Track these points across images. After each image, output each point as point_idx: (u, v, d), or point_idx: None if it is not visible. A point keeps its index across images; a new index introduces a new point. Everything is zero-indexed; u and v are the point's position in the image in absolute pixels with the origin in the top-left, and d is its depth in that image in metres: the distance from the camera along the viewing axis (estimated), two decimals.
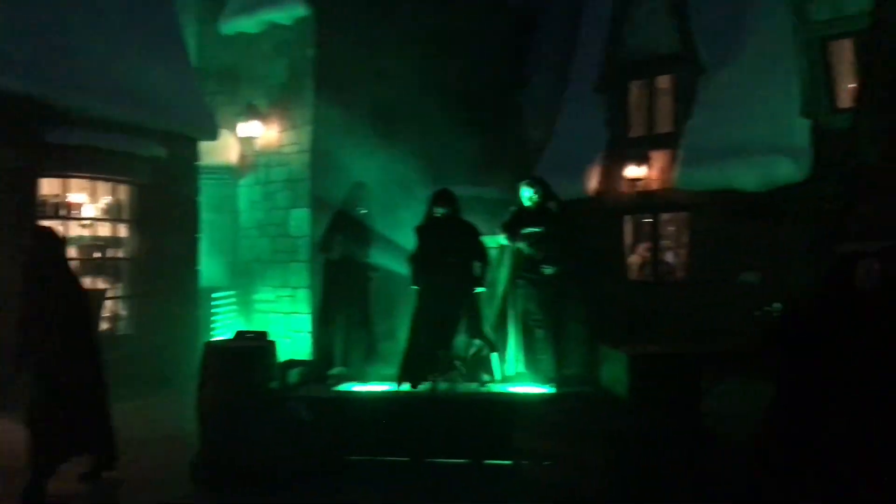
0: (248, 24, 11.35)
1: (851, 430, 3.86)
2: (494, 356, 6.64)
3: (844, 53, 10.31)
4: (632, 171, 11.93)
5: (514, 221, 6.83)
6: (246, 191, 11.71)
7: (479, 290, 6.66)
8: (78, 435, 5.12)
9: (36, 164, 8.09)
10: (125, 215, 9.33)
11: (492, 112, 12.76)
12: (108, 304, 8.89)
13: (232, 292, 11.55)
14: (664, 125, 12.28)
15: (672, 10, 11.95)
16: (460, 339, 6.57)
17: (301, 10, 10.77)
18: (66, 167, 8.50)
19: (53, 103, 8.01)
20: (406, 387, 6.25)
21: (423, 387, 6.24)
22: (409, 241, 7.02)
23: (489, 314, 6.88)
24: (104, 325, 8.66)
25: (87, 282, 8.40)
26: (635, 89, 12.67)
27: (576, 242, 7.05)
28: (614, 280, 11.72)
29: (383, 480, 5.39)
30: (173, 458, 5.84)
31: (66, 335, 5.04)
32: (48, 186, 8.49)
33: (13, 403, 5.50)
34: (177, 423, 6.96)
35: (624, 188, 12.22)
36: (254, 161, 11.55)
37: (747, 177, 10.64)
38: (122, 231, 9.36)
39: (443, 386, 6.28)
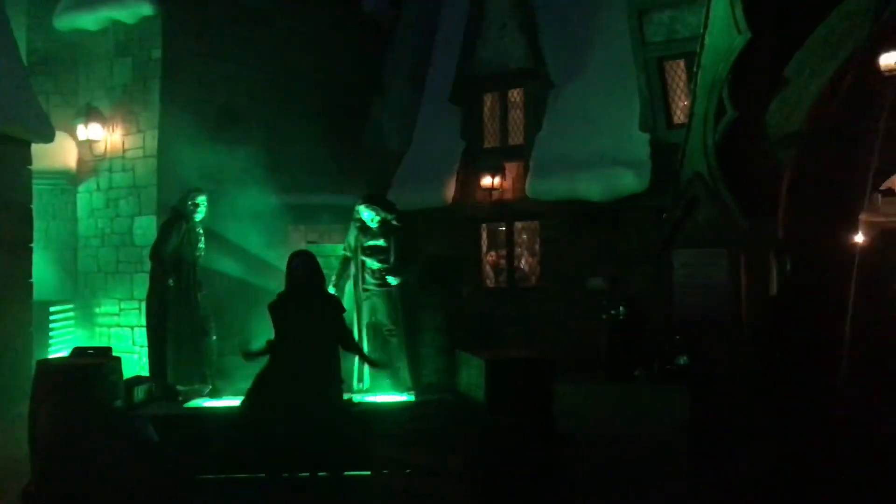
0: (86, 20, 10.66)
1: None
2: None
3: (679, 73, 11.08)
4: (487, 180, 12.25)
5: (357, 237, 6.95)
6: (86, 197, 11.00)
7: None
8: None
9: None
10: None
11: (349, 119, 12.72)
12: None
13: (70, 306, 10.81)
14: (516, 137, 12.71)
15: (522, 26, 12.39)
16: None
17: (146, 9, 10.25)
18: None
19: None
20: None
21: None
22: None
23: None
24: None
25: None
26: (488, 101, 13.03)
27: (417, 252, 7.16)
28: (471, 287, 11.96)
29: (238, 499, 5.20)
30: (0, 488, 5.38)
31: None
32: None
33: None
34: (4, 449, 6.40)
35: (480, 197, 12.53)
36: (94, 166, 10.87)
37: (592, 187, 11.20)
38: None
39: None
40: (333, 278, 6.93)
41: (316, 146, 11.42)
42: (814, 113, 7.02)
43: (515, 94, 12.79)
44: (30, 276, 9.37)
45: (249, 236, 8.94)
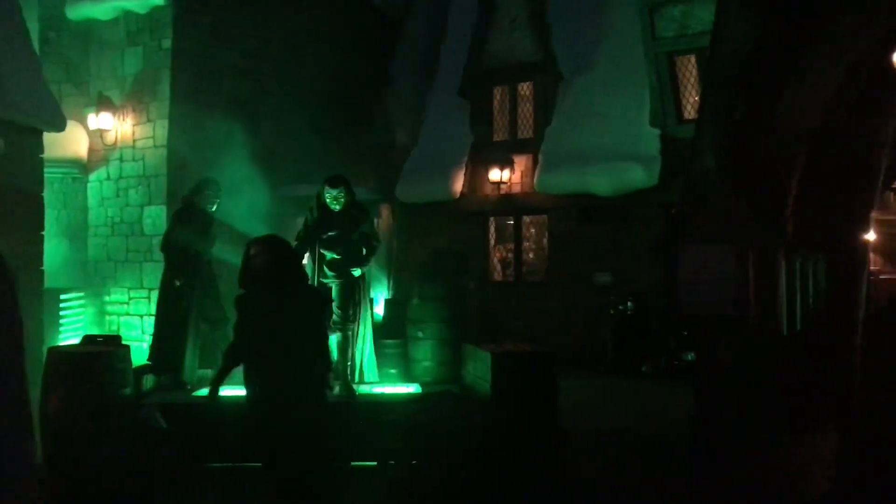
0: (98, 10, 10.71)
1: None
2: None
3: (689, 68, 11.05)
4: (495, 174, 12.25)
5: (315, 226, 6.47)
6: (96, 186, 11.06)
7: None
8: None
9: None
10: None
11: (357, 111, 12.73)
12: None
13: (81, 294, 10.88)
14: (525, 131, 12.69)
15: (532, 19, 12.37)
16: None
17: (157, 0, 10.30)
18: None
19: None
20: None
21: None
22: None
23: None
24: None
25: None
26: (498, 95, 13.02)
27: (378, 242, 6.74)
28: (478, 280, 11.97)
29: (245, 487, 5.24)
30: None
31: None
32: None
33: None
34: None
35: (488, 191, 12.53)
36: (105, 155, 10.93)
37: (601, 181, 11.19)
38: None
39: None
40: None
41: (324, 138, 11.45)
42: (826, 109, 6.97)
43: (525, 88, 12.77)
44: (41, 263, 9.44)
45: (256, 228, 8.97)
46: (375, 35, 13.58)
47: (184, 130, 10.34)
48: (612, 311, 10.86)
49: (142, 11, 10.53)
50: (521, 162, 12.33)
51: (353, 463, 5.64)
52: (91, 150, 11.03)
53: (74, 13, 10.81)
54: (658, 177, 10.84)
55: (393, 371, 6.92)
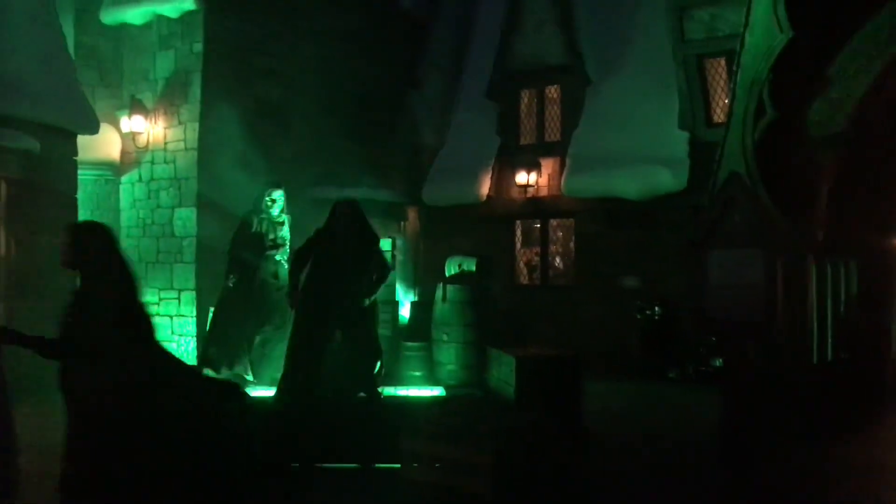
0: (131, 14, 10.88)
1: None
2: None
3: (719, 71, 10.94)
4: (522, 177, 12.23)
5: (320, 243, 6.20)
6: (128, 188, 11.24)
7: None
8: None
9: None
10: None
11: (384, 114, 12.78)
12: None
13: None
14: (552, 134, 12.66)
15: (560, 22, 12.32)
16: None
17: (189, 4, 10.42)
18: None
19: None
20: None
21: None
22: (297, 244, 6.86)
23: None
24: None
25: None
26: (525, 97, 13.00)
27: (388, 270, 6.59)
28: (504, 284, 11.96)
29: (269, 487, 5.29)
30: (38, 469, 5.53)
31: None
32: None
33: None
34: (48, 433, 6.58)
35: (515, 194, 12.51)
36: (137, 158, 11.10)
37: (629, 185, 11.12)
38: None
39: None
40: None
41: (352, 140, 11.50)
42: (857, 113, 6.88)
43: (552, 91, 12.74)
44: None
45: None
46: (403, 38, 13.63)
47: (214, 133, 10.46)
48: (639, 316, 10.78)
49: (174, 15, 10.69)
50: (548, 165, 12.30)
51: (376, 465, 5.67)
52: (123, 153, 11.21)
53: (108, 17, 10.99)
54: (686, 180, 10.74)
55: (417, 374, 6.95)
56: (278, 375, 6.06)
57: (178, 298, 10.63)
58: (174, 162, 10.77)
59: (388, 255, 7.44)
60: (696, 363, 10.17)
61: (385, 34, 12.79)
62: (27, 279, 8.85)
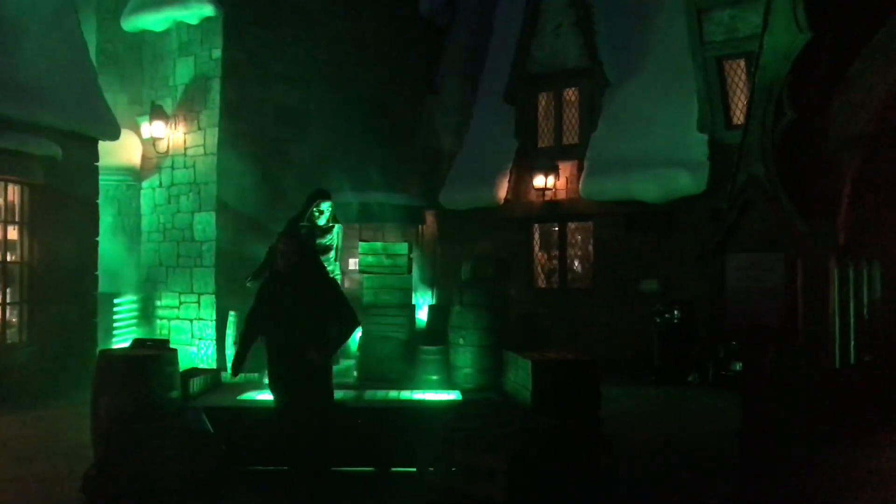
0: (152, 21, 11.02)
1: None
2: None
3: (738, 73, 10.85)
4: (540, 180, 12.20)
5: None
6: (149, 193, 11.37)
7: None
8: None
9: None
10: (17, 217, 8.89)
11: (402, 118, 12.82)
12: None
13: (134, 298, 11.18)
14: (570, 137, 12.62)
15: (578, 25, 12.30)
16: None
17: (208, 10, 10.54)
18: None
19: None
20: None
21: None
22: None
23: None
24: None
25: None
26: (543, 101, 12.97)
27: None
28: (521, 287, 11.93)
29: (286, 490, 5.32)
30: (64, 471, 5.60)
31: None
32: None
33: None
34: (70, 435, 6.67)
35: (533, 197, 12.49)
36: (157, 163, 11.23)
37: (647, 188, 11.04)
38: (13, 234, 8.92)
39: (350, 395, 6.26)
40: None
41: (370, 145, 11.55)
42: (878, 115, 6.79)
43: (570, 94, 12.71)
44: (96, 268, 9.74)
45: None
46: (421, 43, 13.67)
47: (233, 138, 10.55)
48: (658, 320, 10.70)
49: (193, 22, 10.80)
50: (566, 168, 12.26)
51: (392, 468, 5.67)
52: (144, 158, 11.34)
53: (129, 25, 11.14)
54: (706, 183, 10.66)
55: (434, 377, 6.93)
56: None
57: (198, 302, 10.73)
58: (194, 167, 10.88)
59: (405, 259, 7.41)
60: (715, 367, 10.08)
61: (403, 39, 12.84)
62: (49, 283, 8.98)
